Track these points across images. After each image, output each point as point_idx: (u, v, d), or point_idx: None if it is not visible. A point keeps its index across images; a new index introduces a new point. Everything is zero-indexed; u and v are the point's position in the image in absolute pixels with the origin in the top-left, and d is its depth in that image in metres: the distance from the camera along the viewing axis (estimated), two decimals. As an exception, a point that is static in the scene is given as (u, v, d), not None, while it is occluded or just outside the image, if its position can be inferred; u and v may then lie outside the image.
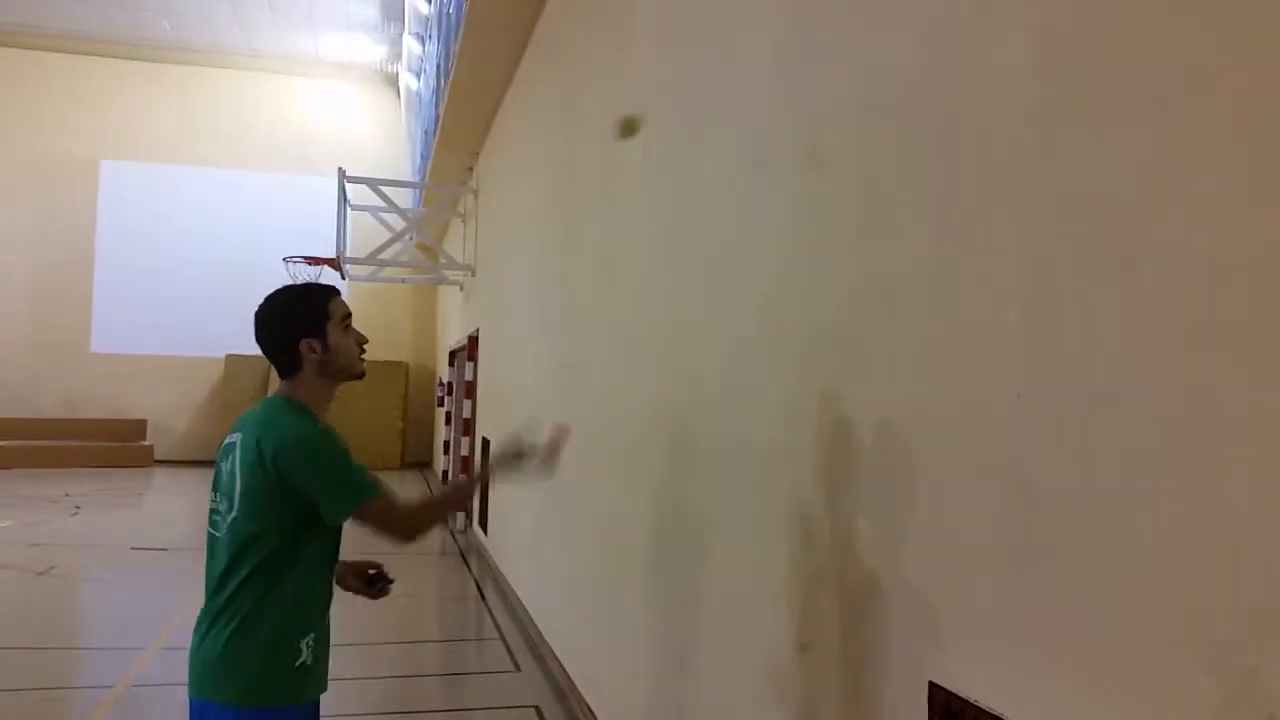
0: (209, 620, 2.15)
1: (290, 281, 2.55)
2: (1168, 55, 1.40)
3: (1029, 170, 1.66)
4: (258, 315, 2.29)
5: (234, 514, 2.14)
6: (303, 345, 2.24)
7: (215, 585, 2.16)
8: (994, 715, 1.68)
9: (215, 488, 2.24)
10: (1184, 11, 1.38)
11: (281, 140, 19.47)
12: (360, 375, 2.36)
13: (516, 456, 2.46)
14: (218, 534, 2.18)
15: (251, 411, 2.29)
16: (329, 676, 2.34)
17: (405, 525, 2.23)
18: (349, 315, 2.33)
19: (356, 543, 2.44)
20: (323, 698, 2.33)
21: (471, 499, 2.72)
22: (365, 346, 2.36)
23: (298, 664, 2.16)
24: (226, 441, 2.26)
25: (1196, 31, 1.35)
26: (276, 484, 2.10)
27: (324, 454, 2.15)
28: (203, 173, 19.13)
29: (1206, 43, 1.33)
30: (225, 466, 2.21)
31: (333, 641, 2.42)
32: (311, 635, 2.20)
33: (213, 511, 2.23)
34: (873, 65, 2.22)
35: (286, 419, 2.18)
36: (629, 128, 2.99)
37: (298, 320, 2.25)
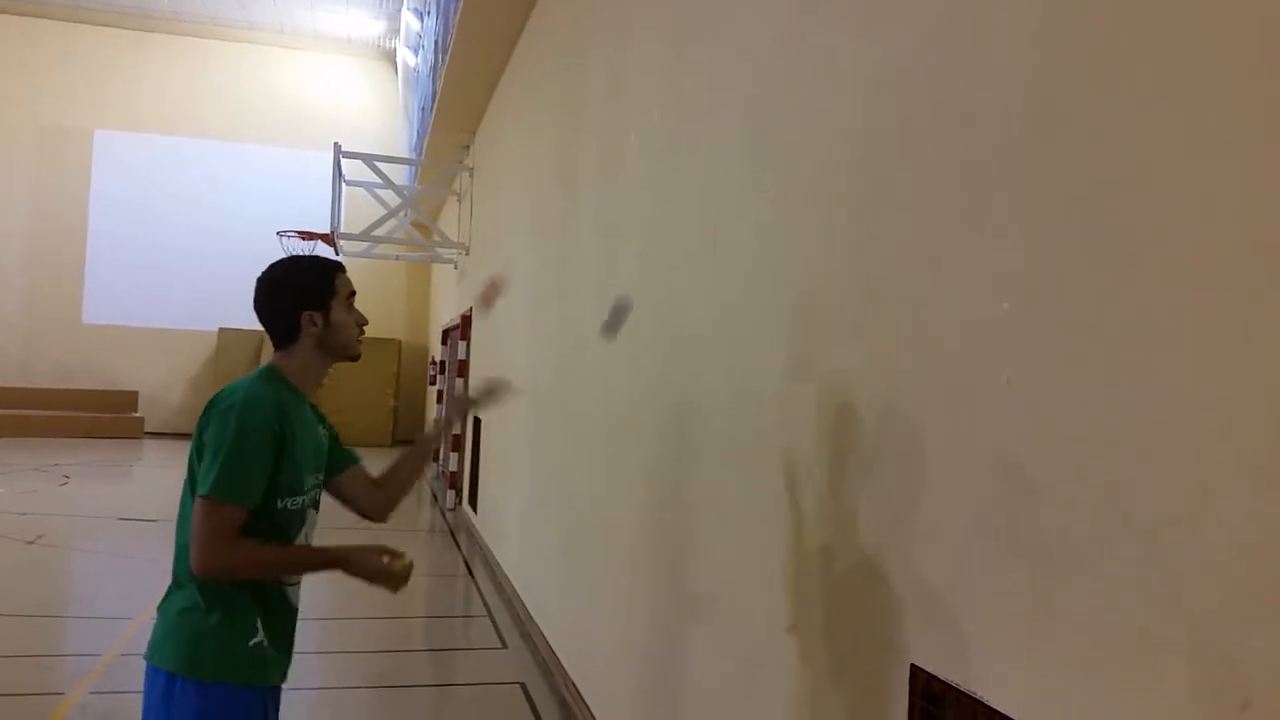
0: (170, 585, 2.10)
1: (284, 255, 2.51)
2: (1167, 45, 1.40)
3: (1027, 157, 1.67)
4: (260, 281, 2.23)
5: (186, 477, 2.10)
6: (304, 317, 2.18)
7: (175, 552, 2.11)
8: (975, 699, 1.69)
9: None
10: (1184, 1, 1.38)
11: (278, 114, 19.36)
12: (356, 357, 2.29)
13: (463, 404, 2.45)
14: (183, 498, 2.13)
15: None
16: (300, 655, 2.27)
17: (224, 554, 2.01)
18: (353, 294, 2.29)
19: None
20: (310, 669, 2.32)
21: (300, 570, 2.42)
22: (364, 328, 2.31)
23: (251, 643, 2.08)
24: None
25: (1196, 21, 1.35)
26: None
27: (233, 429, 2.01)
28: (198, 145, 19.02)
29: (1206, 33, 1.34)
30: None
31: (322, 615, 2.41)
32: (264, 618, 2.11)
33: None
34: (874, 49, 2.22)
35: (250, 384, 2.11)
36: (616, 321, 2.97)
37: (302, 291, 2.20)
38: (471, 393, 2.67)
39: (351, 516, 2.47)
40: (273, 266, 2.27)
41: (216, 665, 2.04)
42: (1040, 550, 1.57)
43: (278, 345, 2.23)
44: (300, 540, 2.19)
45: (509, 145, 8.69)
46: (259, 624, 2.09)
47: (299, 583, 2.24)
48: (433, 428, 2.58)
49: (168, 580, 2.12)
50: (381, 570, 2.16)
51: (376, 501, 2.45)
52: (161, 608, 2.11)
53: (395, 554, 2.19)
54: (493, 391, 2.66)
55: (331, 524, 2.40)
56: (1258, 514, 1.20)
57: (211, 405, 2.08)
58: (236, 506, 2.01)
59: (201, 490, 1.99)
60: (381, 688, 5.10)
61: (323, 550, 2.17)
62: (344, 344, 2.25)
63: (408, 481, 2.50)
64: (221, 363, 17.94)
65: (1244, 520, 1.22)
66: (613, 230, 4.54)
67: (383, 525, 2.54)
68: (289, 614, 2.20)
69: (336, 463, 2.37)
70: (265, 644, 2.10)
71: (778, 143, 2.71)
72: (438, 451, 2.66)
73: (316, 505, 2.27)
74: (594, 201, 5.00)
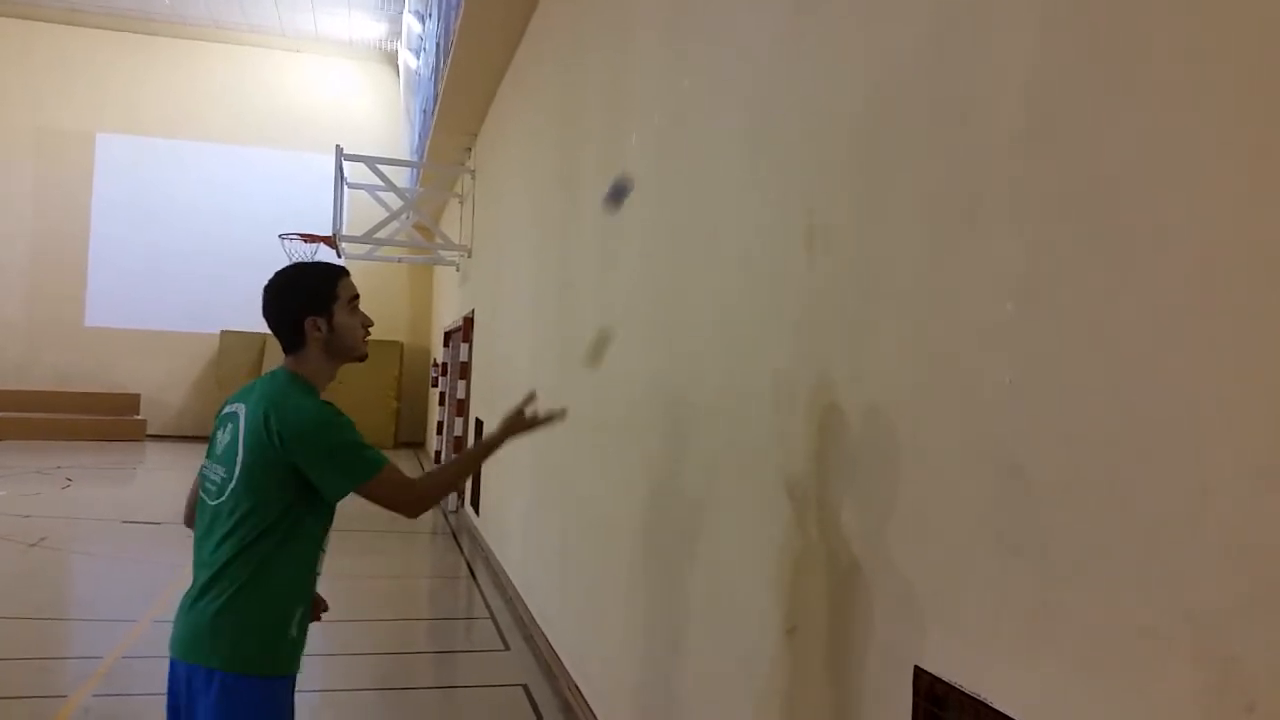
0: (202, 586, 2.15)
1: (286, 258, 2.56)
2: (1167, 45, 1.40)
3: (1027, 156, 1.67)
4: (266, 289, 2.30)
5: (233, 484, 2.15)
6: (308, 323, 2.25)
7: (209, 552, 2.16)
8: (978, 700, 1.69)
9: (210, 454, 2.25)
10: (1184, 1, 1.38)
11: (279, 116, 19.38)
12: (363, 358, 2.37)
13: (521, 422, 2.48)
14: (211, 501, 2.19)
15: (256, 383, 2.30)
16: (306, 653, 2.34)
17: (414, 497, 2.24)
18: (356, 297, 2.34)
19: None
20: (313, 672, 2.35)
21: (479, 466, 2.71)
22: (370, 329, 2.38)
23: (288, 636, 2.17)
24: (226, 410, 2.27)
25: (1196, 21, 1.35)
26: (281, 459, 2.12)
27: (333, 433, 2.15)
28: (199, 148, 19.04)
29: (1206, 33, 1.34)
30: (223, 435, 2.22)
31: (326, 616, 2.44)
32: (301, 610, 2.21)
33: (206, 479, 2.23)
34: (874, 49, 2.22)
35: (297, 396, 2.19)
36: (599, 348, 3.02)
37: (305, 298, 2.27)
38: (528, 414, 2.51)
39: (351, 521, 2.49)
40: (277, 274, 2.33)
41: (258, 659, 2.12)
42: (1041, 550, 1.57)
43: (287, 351, 2.29)
44: (326, 536, 2.30)
45: (510, 147, 8.70)
46: (295, 619, 2.18)
47: (320, 573, 2.33)
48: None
49: (173, 582, 2.15)
50: (532, 422, 2.45)
51: None
52: (191, 607, 2.16)
53: (530, 401, 2.47)
54: (548, 418, 2.52)
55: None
56: (1258, 514, 1.20)
57: (284, 425, 2.13)
58: (386, 466, 2.18)
59: (359, 480, 2.14)
60: (384, 690, 5.10)
61: (484, 443, 2.46)
62: (349, 347, 2.32)
63: None
64: (224, 365, 17.95)
65: (1244, 520, 1.22)
66: (613, 231, 4.54)
67: (380, 529, 2.56)
68: (310, 604, 2.29)
69: None
70: (296, 637, 2.20)
71: (778, 143, 2.71)
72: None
73: None
74: (594, 203, 5.00)
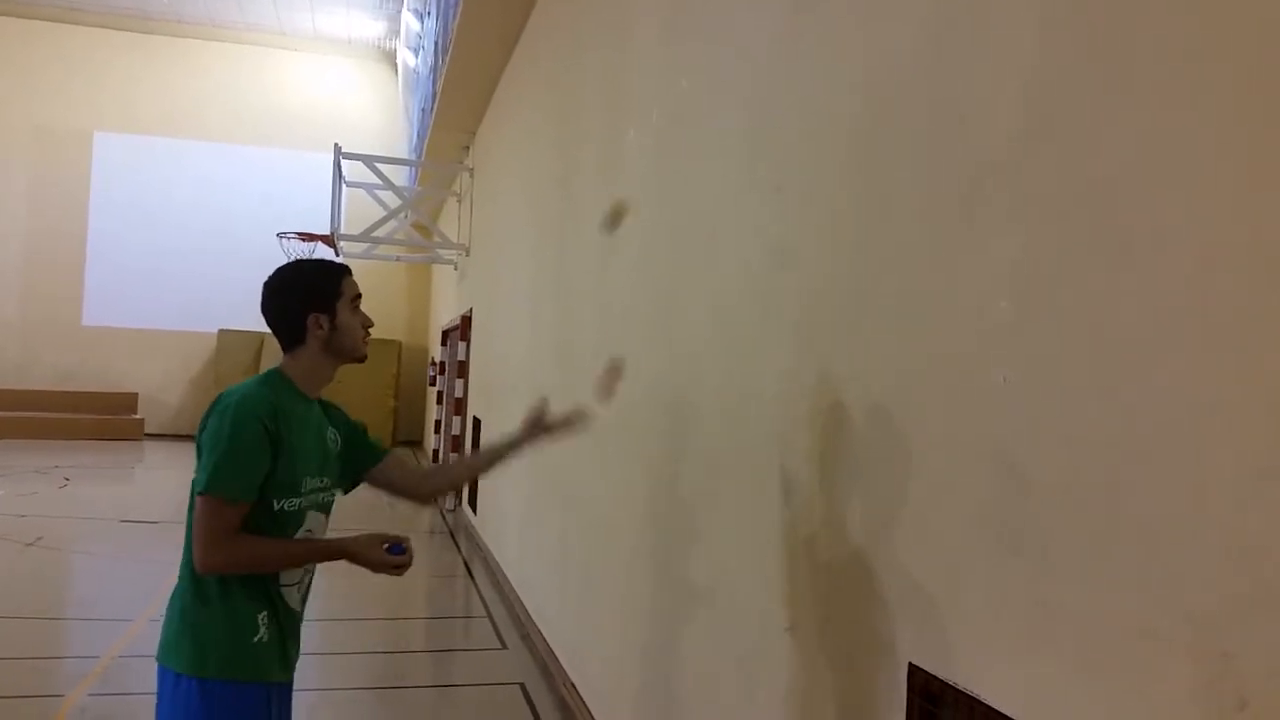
0: (177, 585, 2.12)
1: (284, 257, 2.54)
2: (1167, 45, 1.40)
3: (1025, 156, 1.67)
4: (267, 285, 2.24)
5: (193, 475, 2.11)
6: (310, 320, 2.20)
7: (183, 550, 2.12)
8: (972, 697, 1.69)
9: None
10: (1184, 1, 1.38)
11: (278, 115, 19.36)
12: (362, 358, 2.32)
13: (537, 426, 2.51)
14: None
15: None
16: (300, 656, 2.28)
17: (222, 551, 2.03)
18: (359, 296, 2.30)
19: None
20: (310, 671, 2.32)
21: (298, 563, 2.25)
22: (370, 329, 2.32)
23: (255, 640, 2.09)
24: None
25: (1196, 21, 1.35)
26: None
27: (226, 427, 2.04)
28: (198, 146, 19.01)
29: (1206, 33, 1.34)
30: None
31: (322, 616, 2.41)
32: (266, 612, 2.12)
33: None
34: (873, 48, 2.22)
35: (249, 386, 2.14)
36: (616, 217, 2.95)
37: (308, 294, 2.22)
38: (549, 419, 2.59)
39: (355, 513, 2.47)
40: (279, 270, 2.28)
41: (219, 662, 2.06)
42: (1039, 550, 1.57)
43: (285, 348, 2.25)
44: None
45: (508, 146, 8.69)
46: (260, 621, 2.11)
47: (300, 584, 2.24)
48: (503, 441, 2.61)
49: (170, 581, 2.13)
50: (383, 561, 2.20)
51: (415, 490, 2.56)
52: (169, 607, 2.13)
53: (395, 541, 2.24)
54: (571, 422, 2.61)
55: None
56: (1257, 514, 1.20)
57: (212, 406, 2.12)
58: (233, 502, 2.03)
59: (198, 488, 2.03)
60: (382, 688, 5.10)
61: (325, 542, 2.22)
62: (350, 346, 2.27)
63: (455, 480, 2.56)
64: (221, 364, 17.92)
65: (1244, 520, 1.22)
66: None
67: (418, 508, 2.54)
68: (289, 614, 2.21)
69: (365, 459, 2.42)
70: (267, 640, 2.12)
71: (776, 143, 2.71)
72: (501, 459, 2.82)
73: (323, 508, 2.26)
74: (592, 202, 5.00)
